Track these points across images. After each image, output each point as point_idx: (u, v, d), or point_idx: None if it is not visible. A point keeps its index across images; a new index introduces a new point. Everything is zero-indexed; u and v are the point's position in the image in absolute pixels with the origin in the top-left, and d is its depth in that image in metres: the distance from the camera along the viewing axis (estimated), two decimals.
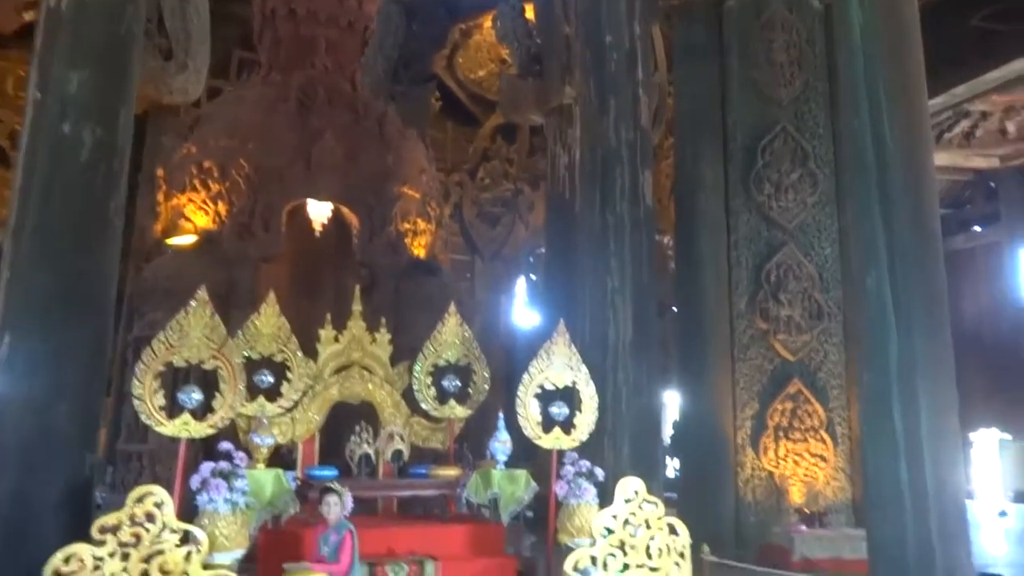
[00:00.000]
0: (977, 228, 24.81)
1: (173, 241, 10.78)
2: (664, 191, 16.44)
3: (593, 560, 5.32)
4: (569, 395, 6.71)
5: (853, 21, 5.65)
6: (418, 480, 6.89)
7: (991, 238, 23.99)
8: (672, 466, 15.11)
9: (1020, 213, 23.43)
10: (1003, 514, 17.06)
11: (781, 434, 10.55)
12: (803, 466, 10.49)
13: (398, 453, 6.95)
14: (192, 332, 5.57)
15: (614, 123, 8.59)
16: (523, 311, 22.24)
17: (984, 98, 19.22)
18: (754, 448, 10.63)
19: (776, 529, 9.83)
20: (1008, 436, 21.96)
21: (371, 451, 6.91)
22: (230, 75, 17.87)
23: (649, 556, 5.45)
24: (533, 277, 22.50)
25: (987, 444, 22.62)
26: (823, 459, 10.49)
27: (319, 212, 10.86)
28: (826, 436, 10.51)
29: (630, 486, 5.59)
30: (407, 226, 11.40)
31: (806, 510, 9.99)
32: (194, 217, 10.71)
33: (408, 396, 7.49)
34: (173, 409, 5.54)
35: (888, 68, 5.40)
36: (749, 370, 10.78)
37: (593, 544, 5.44)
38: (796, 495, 10.37)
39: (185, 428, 5.46)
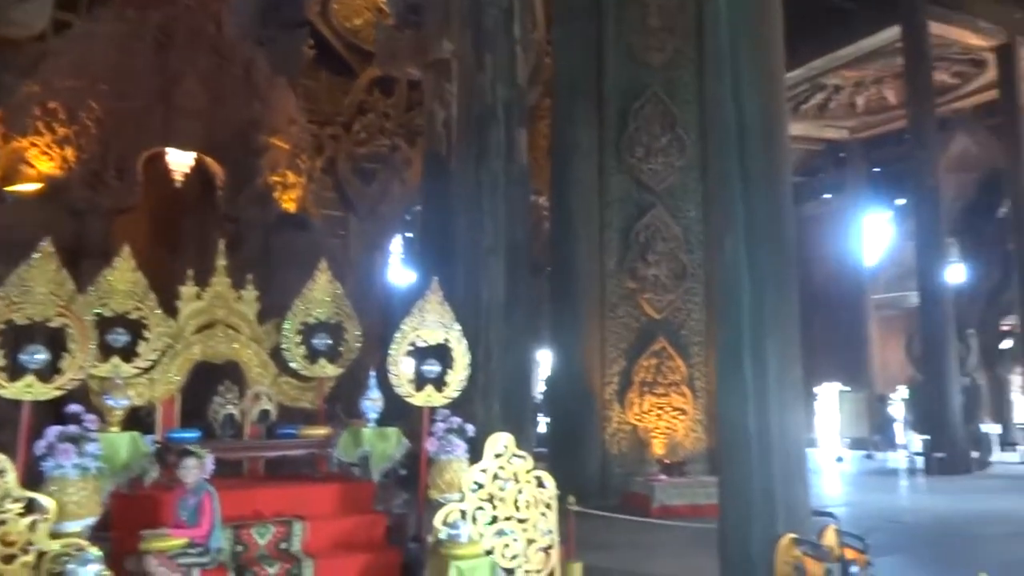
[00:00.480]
0: (827, 195, 26.58)
1: (13, 188, 9.93)
2: (542, 151, 16.58)
3: (463, 514, 5.42)
4: (442, 353, 6.74)
5: None
6: (285, 440, 6.74)
7: (839, 205, 25.77)
8: (544, 421, 15.53)
9: (865, 182, 25.27)
10: (840, 459, 18.65)
11: (646, 389, 11.06)
12: (665, 419, 11.07)
13: (265, 413, 6.77)
14: (36, 287, 5.17)
15: (491, 80, 8.56)
16: (399, 269, 22.03)
17: (837, 73, 20.48)
18: (620, 403, 11.09)
19: (638, 479, 10.34)
20: (847, 388, 23.89)
21: (236, 412, 6.70)
22: (79, 8, 16.45)
23: (517, 508, 5.61)
24: (409, 235, 22.28)
25: (829, 396, 24.57)
26: (683, 412, 11.09)
27: (180, 161, 10.29)
28: (687, 390, 11.11)
29: (500, 441, 5.70)
30: (276, 179, 11.00)
31: (666, 460, 10.55)
32: (37, 163, 9.92)
33: (277, 355, 7.30)
34: (16, 370, 5.15)
35: (750, 39, 5.64)
36: (618, 328, 11.18)
37: (463, 499, 5.52)
38: (658, 446, 10.93)
39: (28, 391, 5.09)
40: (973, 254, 23.85)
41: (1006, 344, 22.79)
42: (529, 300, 9.88)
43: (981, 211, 23.63)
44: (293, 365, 7.26)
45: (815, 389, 26.40)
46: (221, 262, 7.18)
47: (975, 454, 15.95)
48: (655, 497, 9.69)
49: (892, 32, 16.41)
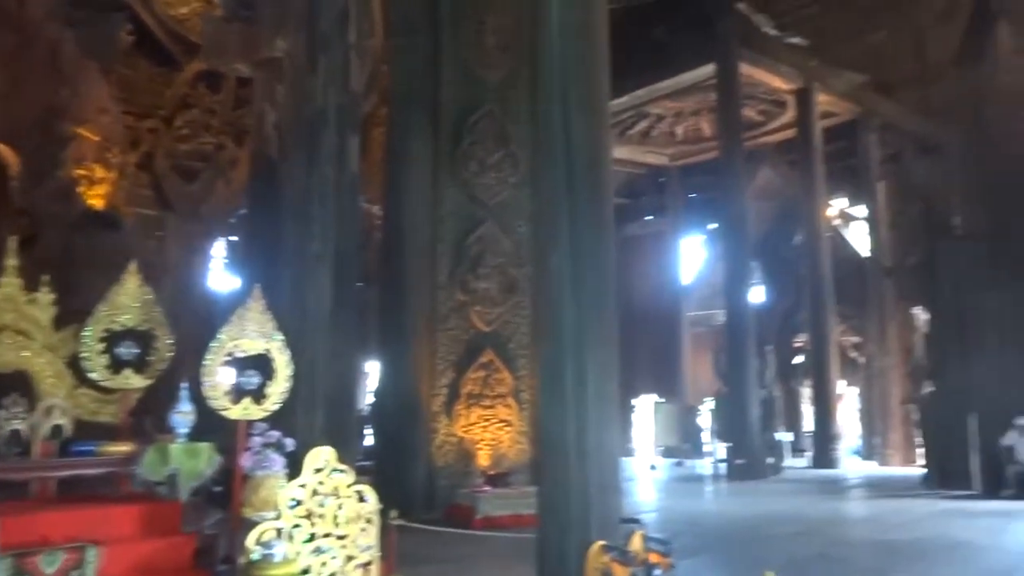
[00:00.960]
0: (648, 217, 28.20)
1: None
2: (377, 160, 16.38)
3: (278, 532, 5.19)
4: (263, 363, 6.44)
5: (552, 16, 6.06)
6: (81, 459, 6.17)
7: (659, 227, 27.42)
8: (371, 434, 15.28)
9: (682, 207, 27.04)
10: (653, 467, 19.78)
11: (473, 401, 11.17)
12: (491, 431, 11.22)
13: (58, 428, 6.17)
14: None
15: (323, 84, 8.34)
16: (222, 274, 20.91)
17: (659, 103, 21.85)
18: (448, 415, 11.12)
19: (463, 491, 10.40)
20: (662, 400, 25.37)
21: (23, 427, 6.05)
22: None
23: (336, 524, 5.45)
24: (234, 238, 21.20)
25: (645, 407, 26.00)
26: (509, 424, 11.30)
27: None
28: (513, 402, 11.33)
29: (320, 455, 5.51)
30: (82, 172, 10.13)
31: (491, 472, 10.69)
32: None
33: (76, 365, 6.68)
34: None
35: (578, 65, 5.90)
36: (447, 340, 11.22)
37: (279, 516, 5.29)
38: (483, 458, 11.06)
39: None
40: (772, 277, 26.15)
41: (798, 359, 25.16)
42: (357, 310, 9.69)
43: (780, 238, 25.97)
44: (94, 376, 6.67)
45: (633, 401, 27.87)
46: (12, 261, 6.50)
47: (771, 460, 17.42)
48: (479, 508, 9.78)
49: (708, 69, 17.77)
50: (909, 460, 19.47)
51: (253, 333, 6.34)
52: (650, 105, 21.72)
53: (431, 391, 11.15)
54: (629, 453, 25.44)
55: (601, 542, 4.70)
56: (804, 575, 7.05)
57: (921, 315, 15.40)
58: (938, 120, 14.09)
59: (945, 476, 13.54)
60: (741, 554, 8.34)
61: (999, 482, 12.24)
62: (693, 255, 27.45)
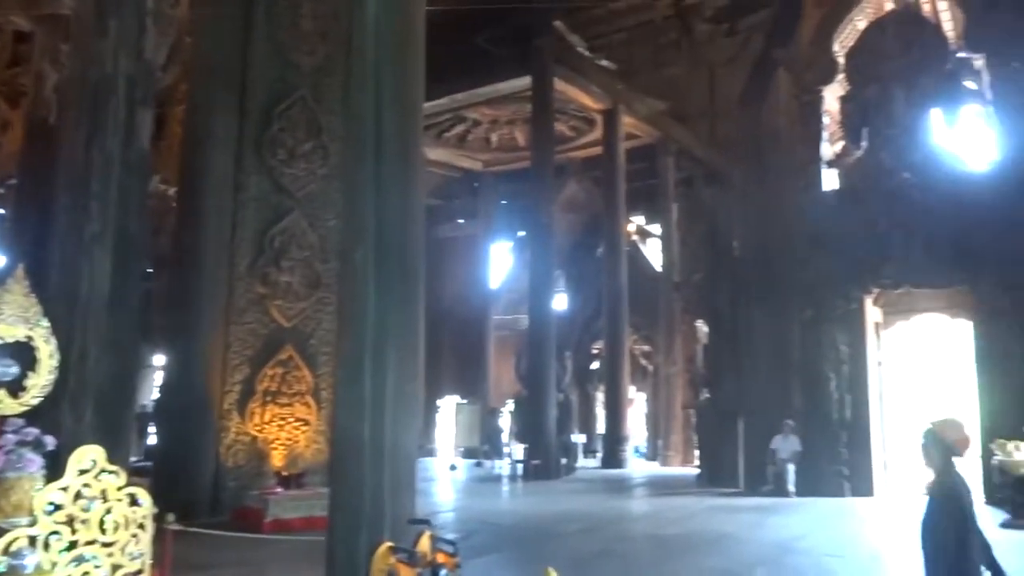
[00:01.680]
0: (461, 220, 28.54)
1: None
2: (176, 138, 15.26)
3: (32, 540, 4.64)
4: (24, 352, 5.75)
5: (369, 6, 5.93)
6: None
7: (471, 230, 27.83)
8: (156, 433, 14.18)
9: (494, 212, 27.63)
10: (453, 468, 19.97)
11: (269, 399, 10.70)
12: (287, 430, 10.80)
13: None
14: None
15: (113, 48, 7.60)
16: None
17: (477, 108, 22.20)
18: (240, 413, 10.57)
19: (253, 492, 9.91)
20: (465, 401, 25.72)
21: None
22: None
23: (103, 531, 4.97)
24: (1, 211, 18.90)
25: (450, 408, 26.23)
26: (307, 423, 10.93)
27: None
28: (312, 401, 10.97)
29: (87, 455, 5.00)
30: None
31: (285, 472, 10.28)
32: None
33: None
34: None
35: (394, 58, 5.81)
36: (244, 334, 10.67)
37: (33, 523, 4.74)
38: (277, 458, 10.61)
39: None
40: (575, 286, 27.37)
41: (595, 365, 26.51)
42: (144, 298, 8.94)
43: (584, 249, 27.24)
44: None
45: (438, 402, 28.04)
46: None
47: (565, 461, 18.18)
48: (269, 511, 9.36)
49: (525, 81, 18.27)
50: (688, 461, 21.09)
51: (13, 318, 5.64)
52: (468, 110, 22.01)
53: (223, 387, 10.54)
54: (431, 453, 25.55)
55: (388, 543, 4.63)
56: (587, 570, 7.38)
57: (703, 328, 16.76)
58: (724, 151, 15.43)
59: (715, 475, 14.83)
60: (530, 552, 8.60)
61: (761, 480, 13.56)
62: (502, 260, 28.12)
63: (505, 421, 22.28)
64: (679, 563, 7.77)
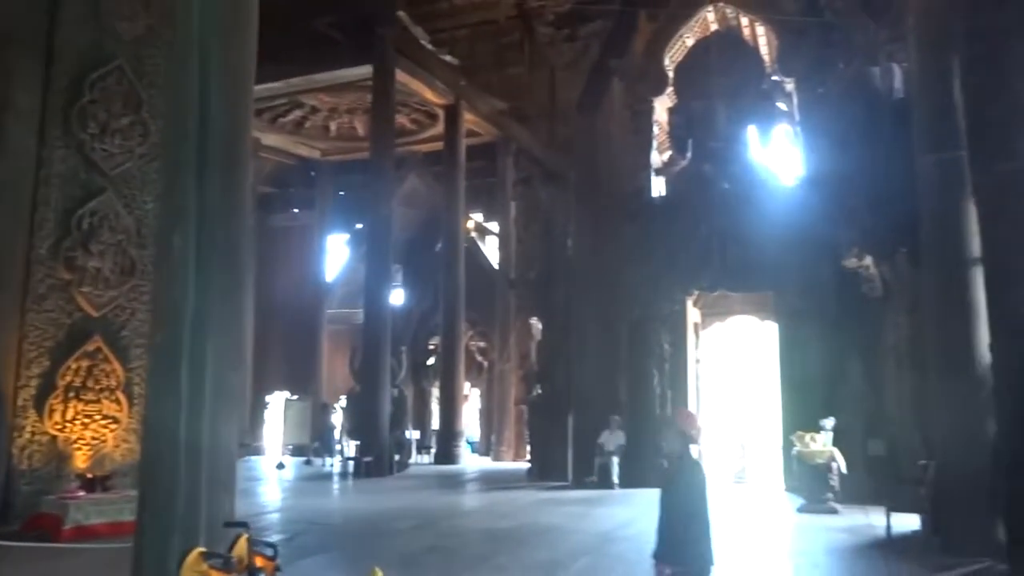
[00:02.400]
0: (296, 210, 27.53)
1: None
2: None
3: None
4: None
5: None
6: None
7: (306, 221, 26.91)
8: None
9: (331, 203, 26.86)
10: (281, 466, 19.22)
11: (72, 395, 9.78)
12: (93, 428, 9.92)
13: None
14: None
15: None
16: None
17: (316, 95, 21.47)
18: (38, 410, 9.58)
19: (50, 497, 9.01)
20: (295, 397, 24.85)
21: None
22: None
23: None
24: None
25: (279, 404, 25.22)
26: (116, 421, 10.10)
27: None
28: (122, 397, 10.15)
29: None
30: None
31: (89, 474, 9.43)
32: None
33: None
34: None
35: (222, 33, 5.44)
36: (43, 323, 9.66)
37: None
38: (81, 459, 9.73)
39: None
40: (412, 281, 27.17)
41: (431, 361, 26.44)
42: None
43: (422, 245, 27.09)
44: None
45: (267, 398, 26.88)
46: None
47: (398, 457, 17.98)
48: (68, 516, 8.54)
49: (366, 70, 17.85)
50: (520, 455, 21.52)
51: None
52: (306, 96, 21.24)
53: (17, 382, 9.49)
54: (258, 452, 24.45)
55: (200, 549, 4.33)
56: (416, 568, 7.31)
57: (537, 325, 17.14)
58: (562, 152, 15.85)
59: (545, 469, 15.22)
60: (358, 551, 8.41)
61: (588, 473, 14.05)
62: (338, 253, 27.39)
63: (337, 417, 21.73)
64: (508, 556, 7.87)
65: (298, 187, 27.34)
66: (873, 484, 11.67)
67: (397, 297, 26.29)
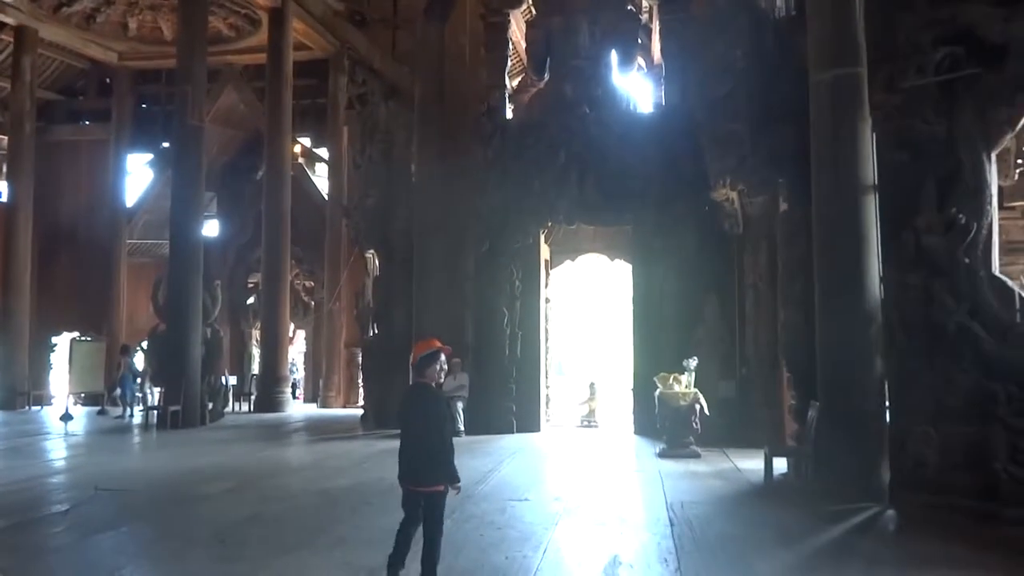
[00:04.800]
0: (87, 122, 23.71)
1: None
2: None
3: None
4: None
5: None
6: None
7: (100, 135, 23.24)
8: None
9: (131, 117, 23.34)
10: (68, 418, 16.42)
11: None
12: None
13: None
14: None
15: None
16: None
17: None
18: None
19: None
20: (88, 338, 21.70)
21: None
22: None
23: None
24: None
25: (68, 346, 21.87)
26: None
27: None
28: None
29: None
30: None
31: None
32: None
33: None
34: None
35: None
36: None
37: None
38: None
39: None
40: (230, 211, 24.42)
41: (251, 300, 24.03)
42: None
43: (242, 170, 24.34)
44: None
45: (54, 339, 23.36)
46: None
47: (211, 405, 15.89)
48: None
49: None
50: (350, 402, 19.99)
51: None
52: None
53: None
54: (43, 401, 21.19)
55: None
56: (234, 543, 5.77)
57: (374, 259, 15.51)
58: (405, 65, 14.14)
59: (381, 416, 13.79)
60: (158, 525, 6.69)
61: None
62: (140, 175, 23.99)
63: (139, 360, 19.07)
64: (348, 524, 6.48)
65: (90, 95, 23.50)
66: (729, 425, 11.39)
67: (211, 229, 23.57)
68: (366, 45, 14.89)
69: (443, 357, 4.53)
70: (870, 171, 7.53)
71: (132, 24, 20.43)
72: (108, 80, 23.11)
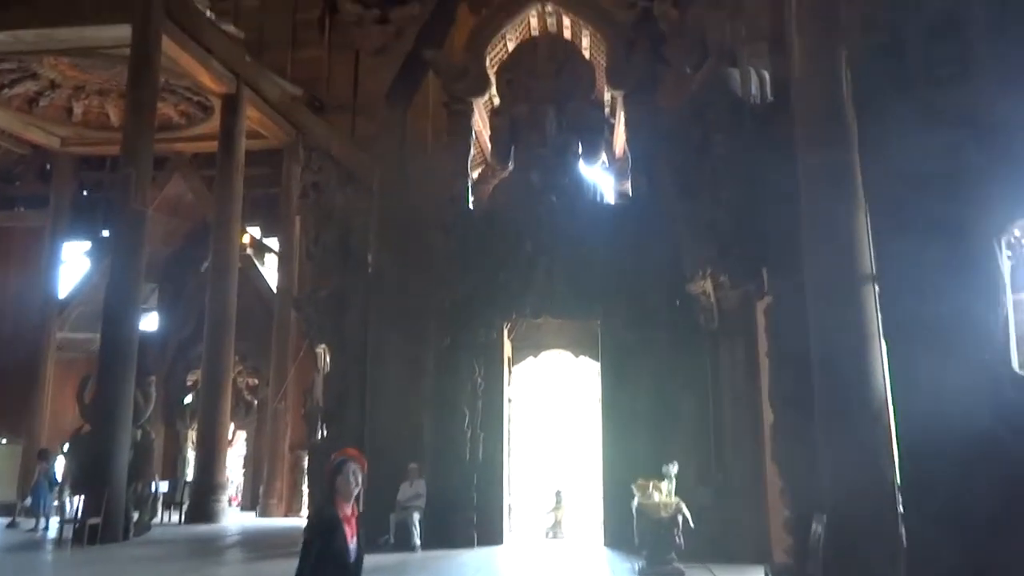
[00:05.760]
0: (23, 208, 22.52)
1: None
2: None
3: None
4: None
5: None
6: None
7: (35, 222, 22.03)
8: None
9: (70, 204, 22.27)
10: None
11: None
12: None
13: None
14: None
15: None
16: None
17: (57, 66, 17.42)
18: None
19: None
20: (2, 441, 19.88)
21: None
22: None
23: None
24: None
25: None
26: None
27: None
28: None
29: None
30: None
31: None
32: None
33: None
34: None
35: None
36: None
37: None
38: None
39: None
40: (172, 304, 23.18)
41: (189, 399, 22.48)
42: None
43: (187, 262, 23.23)
44: None
45: None
46: None
47: (136, 516, 14.30)
48: None
49: (124, 32, 14.32)
50: (293, 510, 18.43)
51: None
52: (44, 64, 17.07)
53: None
54: None
55: None
56: None
57: (325, 354, 14.48)
58: (363, 151, 13.60)
59: None
60: None
61: (383, 532, 11.58)
62: (76, 264, 22.72)
63: (59, 466, 17.35)
64: None
65: (27, 180, 22.41)
66: (706, 537, 10.43)
67: (150, 323, 22.27)
68: (324, 131, 14.33)
69: (353, 467, 3.87)
70: (867, 259, 7.01)
71: (77, 109, 19.66)
72: (48, 166, 22.14)
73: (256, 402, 22.65)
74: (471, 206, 13.12)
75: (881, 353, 6.78)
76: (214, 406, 17.85)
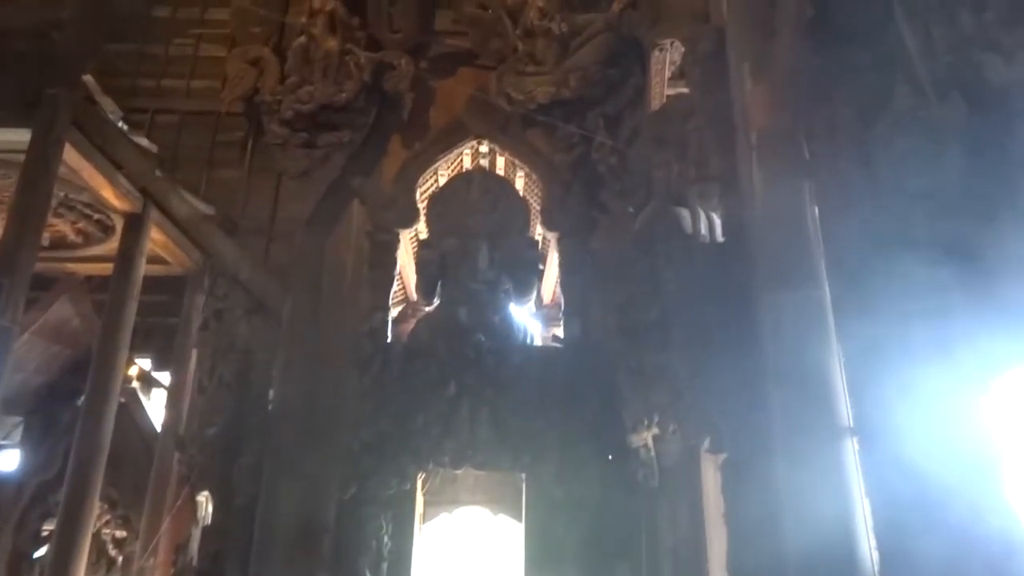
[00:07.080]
0: None
1: None
2: None
3: None
4: None
5: None
6: None
7: None
8: None
9: None
10: None
11: None
12: None
13: None
14: None
15: None
16: None
17: None
18: None
19: None
20: None
21: None
22: None
23: None
24: None
25: None
26: None
27: None
28: None
29: None
30: None
31: None
32: None
33: None
34: None
35: None
36: None
37: None
38: None
39: None
40: (38, 441, 20.52)
41: (41, 552, 19.46)
42: None
43: (62, 395, 20.85)
44: None
45: None
46: None
47: None
48: None
49: (22, 136, 13.12)
50: None
51: None
52: None
53: None
54: None
55: None
56: None
57: (207, 503, 12.60)
58: (276, 278, 12.52)
59: None
60: None
61: None
62: None
63: None
64: None
65: None
66: None
67: (9, 461, 19.56)
68: (235, 254, 13.28)
69: None
70: (843, 409, 6.29)
71: None
72: None
73: (121, 558, 19.77)
74: (389, 341, 12.04)
75: (866, 517, 5.92)
76: (65, 563, 15.19)
